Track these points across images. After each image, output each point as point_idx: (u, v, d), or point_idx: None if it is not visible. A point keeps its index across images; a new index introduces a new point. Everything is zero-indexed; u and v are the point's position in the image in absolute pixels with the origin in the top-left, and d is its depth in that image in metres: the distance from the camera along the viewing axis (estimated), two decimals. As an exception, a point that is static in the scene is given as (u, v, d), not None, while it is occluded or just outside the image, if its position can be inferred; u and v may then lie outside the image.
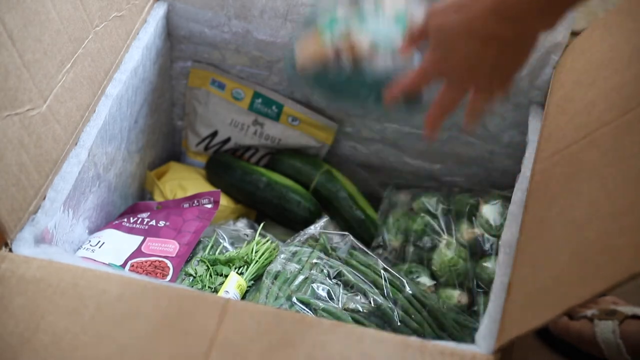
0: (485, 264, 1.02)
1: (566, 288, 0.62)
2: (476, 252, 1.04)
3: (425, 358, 0.66)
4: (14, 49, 0.75)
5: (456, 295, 1.01)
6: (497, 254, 0.92)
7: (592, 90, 0.82)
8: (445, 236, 1.07)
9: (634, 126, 0.70)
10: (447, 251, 1.05)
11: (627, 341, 1.01)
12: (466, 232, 1.06)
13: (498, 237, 1.02)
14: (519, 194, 0.84)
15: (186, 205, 1.05)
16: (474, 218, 1.07)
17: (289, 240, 0.99)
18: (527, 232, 0.77)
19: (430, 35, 0.63)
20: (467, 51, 0.60)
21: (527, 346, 1.09)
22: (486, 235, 1.03)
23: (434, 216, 1.10)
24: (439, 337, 0.90)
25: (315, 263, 0.93)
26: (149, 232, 0.99)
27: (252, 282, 0.95)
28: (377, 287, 0.92)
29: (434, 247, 1.07)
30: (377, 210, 1.19)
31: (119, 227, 1.00)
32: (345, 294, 0.90)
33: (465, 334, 0.93)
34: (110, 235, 0.98)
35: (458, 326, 0.94)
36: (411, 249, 1.09)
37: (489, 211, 1.05)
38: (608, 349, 1.02)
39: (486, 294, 1.00)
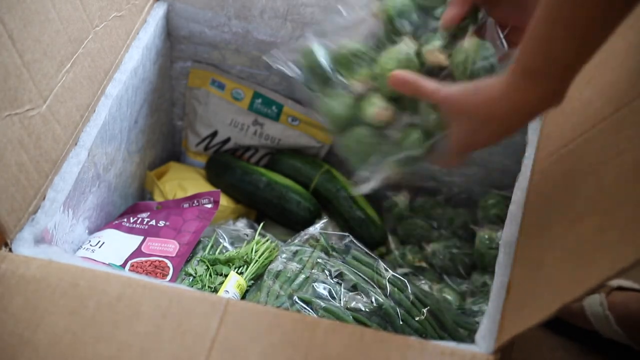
0: None
1: (560, 285, 0.62)
2: None
3: (425, 358, 0.66)
4: (14, 49, 0.75)
5: None
6: None
7: (588, 88, 0.82)
8: None
9: (628, 121, 0.71)
10: None
11: (615, 313, 1.01)
12: None
13: None
14: (519, 193, 0.84)
15: (186, 205, 1.05)
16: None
17: (289, 240, 0.99)
18: (526, 231, 0.77)
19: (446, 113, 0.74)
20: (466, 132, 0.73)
21: (527, 346, 1.09)
22: None
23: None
24: (441, 337, 0.90)
25: (317, 262, 0.93)
26: (149, 232, 0.99)
27: (252, 281, 0.95)
28: (378, 287, 0.92)
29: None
30: (377, 210, 1.19)
31: (119, 227, 1.00)
32: (347, 294, 0.90)
33: (466, 334, 0.93)
34: (110, 235, 0.98)
35: (458, 326, 0.94)
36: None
37: None
38: (597, 322, 1.03)
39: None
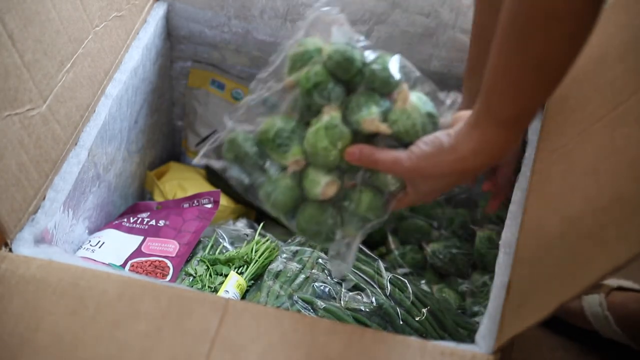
0: None
1: (558, 284, 0.63)
2: None
3: (425, 358, 0.66)
4: (13, 49, 0.75)
5: None
6: None
7: (586, 86, 0.82)
8: None
9: (625, 119, 0.71)
10: None
11: (614, 313, 1.02)
12: None
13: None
14: (519, 193, 0.84)
15: (186, 205, 1.05)
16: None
17: (289, 240, 0.99)
18: (526, 231, 0.77)
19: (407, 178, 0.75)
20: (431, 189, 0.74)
21: (527, 346, 1.09)
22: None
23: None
24: (441, 337, 0.90)
25: (317, 262, 0.93)
26: (149, 232, 0.99)
27: (252, 281, 0.95)
28: (378, 287, 0.92)
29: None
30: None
31: (119, 227, 1.00)
32: (347, 294, 0.90)
33: (466, 334, 0.93)
34: (110, 235, 0.98)
35: (458, 326, 0.94)
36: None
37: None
38: (596, 322, 1.03)
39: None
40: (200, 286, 0.92)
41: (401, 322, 0.88)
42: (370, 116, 0.72)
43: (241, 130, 0.77)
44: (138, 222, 1.02)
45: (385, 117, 0.73)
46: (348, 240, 0.77)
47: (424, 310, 0.91)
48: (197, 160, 0.78)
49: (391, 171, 0.73)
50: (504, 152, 0.67)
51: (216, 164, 0.78)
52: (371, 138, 0.74)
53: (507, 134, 0.66)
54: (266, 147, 0.75)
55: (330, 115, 0.73)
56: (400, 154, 0.71)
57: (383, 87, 0.73)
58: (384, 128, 0.72)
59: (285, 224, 0.78)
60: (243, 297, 0.93)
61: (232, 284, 0.92)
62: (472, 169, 0.69)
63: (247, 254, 0.97)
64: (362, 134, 0.73)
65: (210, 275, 0.93)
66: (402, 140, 0.73)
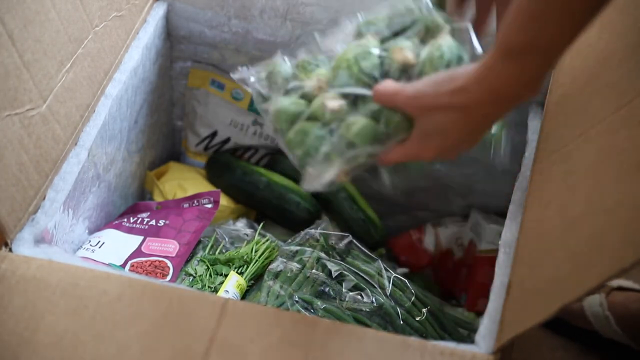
0: None
1: (560, 286, 0.63)
2: None
3: (425, 358, 0.66)
4: (13, 49, 0.75)
5: None
6: None
7: (588, 88, 0.82)
8: None
9: (627, 121, 0.71)
10: None
11: (615, 313, 1.02)
12: None
13: None
14: (518, 193, 0.84)
15: (186, 205, 1.05)
16: None
17: (289, 240, 0.99)
18: (526, 231, 0.77)
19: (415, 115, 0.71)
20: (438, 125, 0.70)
21: (527, 346, 1.09)
22: None
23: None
24: (441, 337, 0.90)
25: (317, 262, 0.93)
26: (149, 232, 0.99)
27: (252, 281, 0.95)
28: (378, 287, 0.92)
29: None
30: (377, 211, 1.19)
31: (118, 227, 1.00)
32: (347, 294, 0.90)
33: (466, 334, 0.93)
34: (110, 235, 0.98)
35: (458, 326, 0.94)
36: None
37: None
38: (597, 322, 1.03)
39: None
40: (200, 286, 0.92)
41: (401, 322, 0.88)
42: (400, 45, 0.74)
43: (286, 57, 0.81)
44: (138, 222, 1.02)
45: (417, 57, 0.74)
46: (327, 165, 0.76)
47: (424, 310, 0.91)
48: (236, 75, 0.82)
49: (393, 101, 0.71)
50: (507, 88, 0.63)
51: (245, 75, 0.82)
52: (396, 78, 0.73)
53: (512, 66, 0.62)
54: (300, 67, 0.79)
55: (369, 40, 0.75)
56: (405, 84, 0.70)
57: (426, 29, 0.75)
58: (410, 57, 0.73)
59: (279, 142, 0.79)
60: (243, 297, 0.93)
61: (232, 284, 0.92)
62: (474, 104, 0.65)
63: (247, 254, 0.97)
64: (391, 70, 0.74)
65: (210, 275, 0.93)
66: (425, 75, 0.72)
